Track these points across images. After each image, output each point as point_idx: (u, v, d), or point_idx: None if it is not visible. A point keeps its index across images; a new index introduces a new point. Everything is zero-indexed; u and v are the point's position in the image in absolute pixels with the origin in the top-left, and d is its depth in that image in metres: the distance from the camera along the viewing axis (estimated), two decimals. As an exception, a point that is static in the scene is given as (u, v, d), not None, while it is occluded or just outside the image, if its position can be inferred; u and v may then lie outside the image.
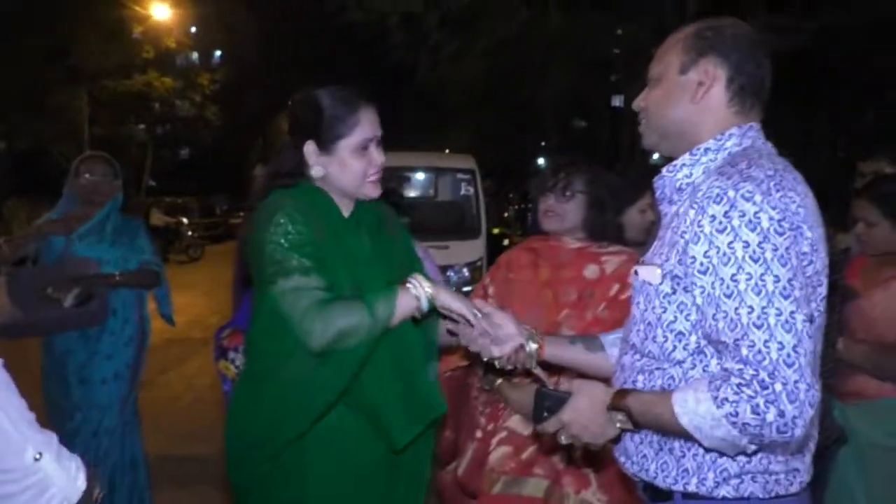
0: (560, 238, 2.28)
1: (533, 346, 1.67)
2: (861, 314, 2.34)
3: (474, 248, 6.53)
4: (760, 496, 1.31)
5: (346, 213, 1.75)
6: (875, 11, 9.21)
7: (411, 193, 7.72)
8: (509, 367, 1.69)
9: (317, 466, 1.63)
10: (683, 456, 1.34)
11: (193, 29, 24.73)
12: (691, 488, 1.33)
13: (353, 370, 1.55)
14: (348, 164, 1.68)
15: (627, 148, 12.12)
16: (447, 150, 12.68)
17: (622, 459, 1.47)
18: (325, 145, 1.67)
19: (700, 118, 1.39)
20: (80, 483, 1.20)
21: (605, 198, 2.23)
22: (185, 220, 17.23)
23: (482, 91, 14.74)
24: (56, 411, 3.02)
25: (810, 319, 1.20)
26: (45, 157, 17.16)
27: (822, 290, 1.31)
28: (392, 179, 7.78)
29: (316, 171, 1.69)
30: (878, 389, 2.32)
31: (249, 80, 24.52)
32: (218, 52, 28.25)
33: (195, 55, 27.36)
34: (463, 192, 7.14)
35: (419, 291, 1.56)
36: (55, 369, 3.05)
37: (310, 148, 1.68)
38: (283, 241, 1.56)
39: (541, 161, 21.63)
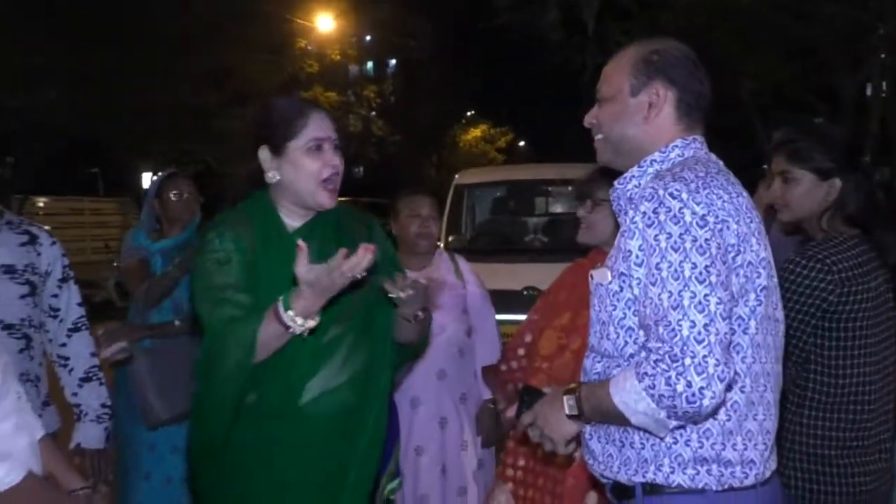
0: (598, 252, 2.47)
1: None
2: None
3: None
4: (715, 488, 1.54)
5: (297, 224, 2.01)
6: None
7: (557, 209, 7.94)
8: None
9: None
10: (643, 448, 1.59)
11: (368, 38, 26.82)
12: (650, 477, 1.58)
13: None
14: (300, 165, 1.92)
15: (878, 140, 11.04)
16: None
17: (591, 462, 1.73)
18: (277, 148, 1.94)
19: (652, 135, 1.68)
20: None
21: None
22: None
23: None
24: (128, 442, 3.14)
25: (732, 302, 1.49)
26: (217, 178, 19.56)
27: (762, 280, 1.57)
28: (534, 194, 8.07)
29: (270, 177, 1.96)
30: None
31: (423, 90, 25.98)
32: (393, 62, 30.29)
33: (370, 65, 29.54)
34: (610, 205, 7.21)
35: (287, 321, 1.75)
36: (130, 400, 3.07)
37: (264, 154, 1.96)
38: (208, 261, 1.90)
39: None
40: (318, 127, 1.96)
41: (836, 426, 2.07)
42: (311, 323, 1.78)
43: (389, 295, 1.91)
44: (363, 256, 1.69)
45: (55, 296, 2.45)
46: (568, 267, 2.76)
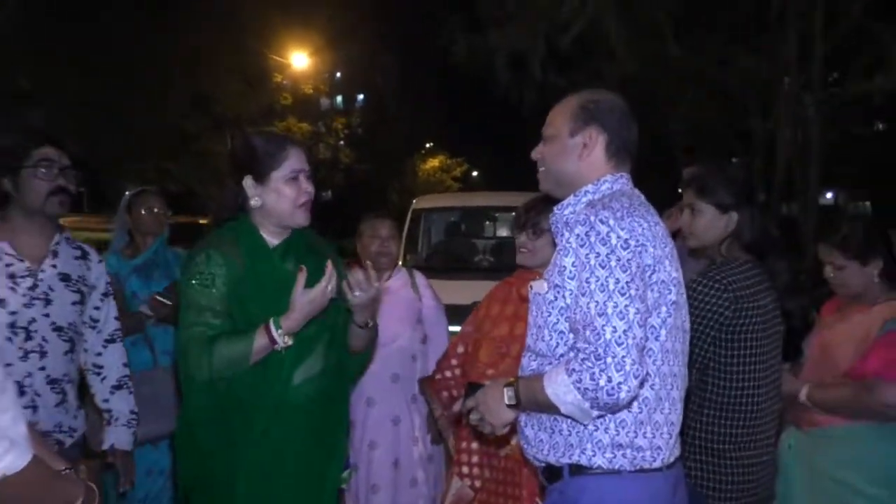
0: (533, 272, 2.58)
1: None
2: (823, 345, 2.44)
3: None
4: (629, 469, 1.69)
5: (275, 241, 2.10)
6: None
7: (503, 233, 8.07)
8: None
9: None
10: (570, 434, 1.73)
11: (339, 74, 26.88)
12: (575, 459, 1.71)
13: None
14: (281, 192, 2.04)
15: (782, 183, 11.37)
16: None
17: (526, 447, 1.85)
18: (261, 178, 2.05)
19: (585, 171, 1.82)
20: (2, 466, 1.32)
21: None
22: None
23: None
24: None
25: (647, 313, 1.63)
26: (192, 198, 19.36)
27: (672, 296, 1.72)
28: (484, 219, 8.19)
29: (254, 202, 2.06)
30: (828, 417, 2.38)
31: (386, 123, 26.13)
32: (361, 96, 30.40)
33: (339, 99, 29.59)
34: (550, 230, 7.38)
35: (277, 338, 1.94)
36: None
37: (248, 182, 2.06)
38: (195, 280, 1.97)
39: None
40: (296, 160, 2.07)
41: (729, 424, 2.18)
42: (290, 341, 1.97)
43: (348, 297, 2.05)
44: (331, 274, 1.96)
45: (97, 308, 2.48)
46: (497, 285, 2.86)
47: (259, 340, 1.94)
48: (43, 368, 2.26)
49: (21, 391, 2.19)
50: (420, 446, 3.23)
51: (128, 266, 3.32)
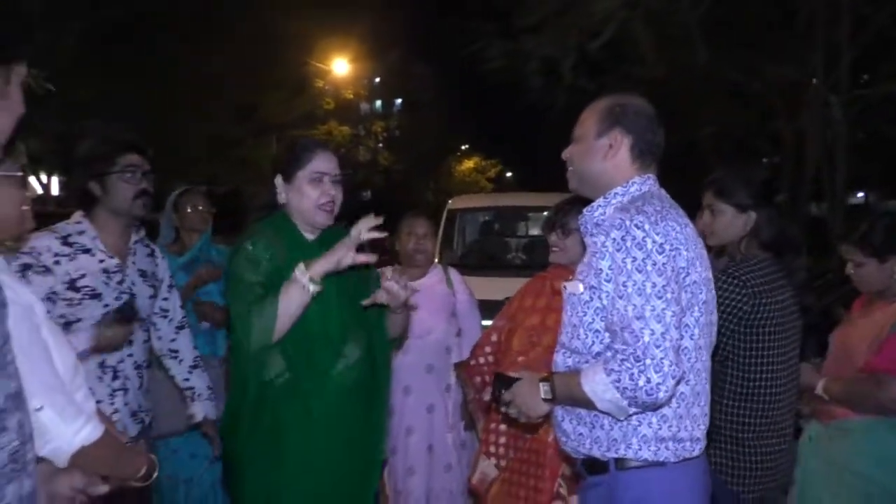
0: (566, 269, 2.63)
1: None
2: (844, 341, 2.45)
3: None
4: (673, 461, 1.72)
5: (311, 236, 2.17)
6: None
7: (535, 231, 8.11)
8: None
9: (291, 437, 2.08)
10: (612, 429, 1.74)
11: (378, 80, 27.10)
12: (621, 453, 1.72)
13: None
14: (304, 192, 2.10)
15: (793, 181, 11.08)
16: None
17: (563, 439, 1.87)
18: (288, 176, 2.12)
19: (611, 171, 1.83)
20: (81, 437, 1.44)
21: None
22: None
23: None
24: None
25: (682, 314, 1.65)
26: (237, 198, 19.71)
27: (703, 296, 1.73)
28: (516, 219, 8.23)
29: (281, 199, 2.14)
30: (845, 410, 2.38)
31: (424, 126, 26.28)
32: (398, 101, 30.61)
33: (378, 103, 29.82)
34: (581, 229, 7.39)
35: (301, 277, 1.99)
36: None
37: (278, 180, 2.14)
38: (243, 260, 2.05)
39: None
40: (322, 163, 2.12)
41: (748, 413, 2.21)
42: (314, 280, 1.99)
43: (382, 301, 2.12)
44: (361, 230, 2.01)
45: (166, 299, 2.65)
46: (529, 280, 2.92)
47: (285, 287, 1.99)
48: (131, 355, 2.43)
49: (115, 375, 2.38)
50: (454, 433, 3.31)
51: (175, 262, 3.37)
